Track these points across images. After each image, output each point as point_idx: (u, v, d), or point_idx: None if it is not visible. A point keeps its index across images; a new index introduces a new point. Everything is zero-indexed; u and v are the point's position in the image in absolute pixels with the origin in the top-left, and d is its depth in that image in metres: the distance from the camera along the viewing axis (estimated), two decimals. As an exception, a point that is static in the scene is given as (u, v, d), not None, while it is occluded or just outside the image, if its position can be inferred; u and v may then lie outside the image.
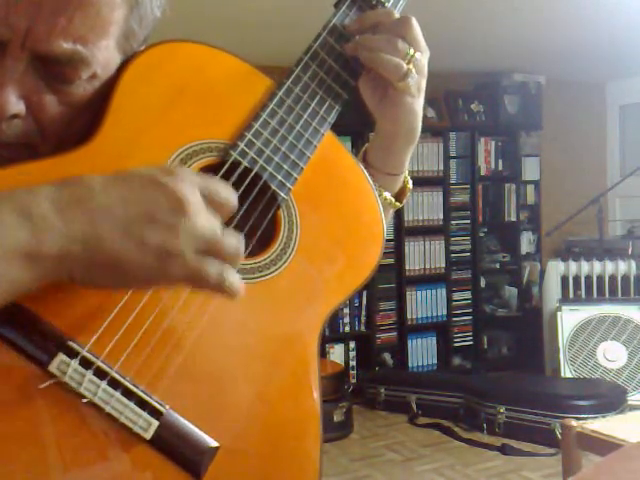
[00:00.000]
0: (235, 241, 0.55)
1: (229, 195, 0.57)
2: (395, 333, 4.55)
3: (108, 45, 0.61)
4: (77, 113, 0.62)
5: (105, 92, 0.63)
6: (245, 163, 0.66)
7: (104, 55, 0.61)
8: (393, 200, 0.82)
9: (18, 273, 0.48)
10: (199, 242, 0.53)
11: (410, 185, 0.84)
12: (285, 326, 0.66)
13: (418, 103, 0.76)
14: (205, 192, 0.55)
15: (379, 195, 0.79)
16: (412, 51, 0.72)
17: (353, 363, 4.41)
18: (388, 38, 0.72)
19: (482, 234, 4.83)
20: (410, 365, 4.56)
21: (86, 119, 0.63)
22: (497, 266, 4.87)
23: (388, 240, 4.23)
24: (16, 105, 0.58)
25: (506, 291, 4.91)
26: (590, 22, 3.67)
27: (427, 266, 4.60)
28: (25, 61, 0.58)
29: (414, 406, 3.89)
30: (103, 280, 0.52)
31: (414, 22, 0.73)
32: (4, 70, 0.57)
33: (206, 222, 0.53)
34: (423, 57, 0.74)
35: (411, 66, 0.72)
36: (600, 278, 4.23)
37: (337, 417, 3.61)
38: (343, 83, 0.73)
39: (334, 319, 4.22)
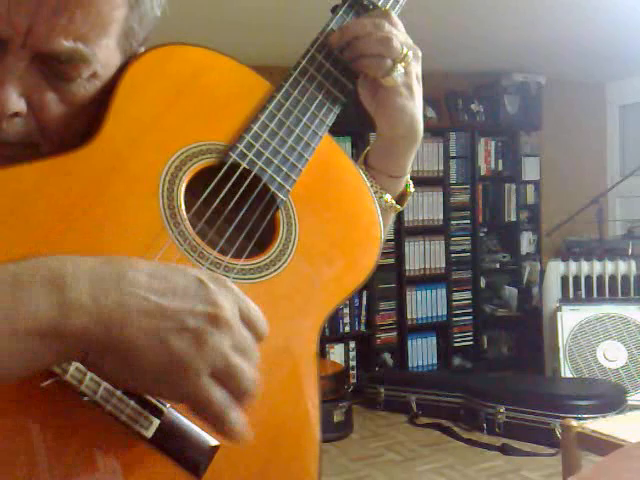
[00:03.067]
0: (251, 376, 0.51)
1: (261, 319, 0.54)
2: (395, 333, 4.55)
3: (108, 44, 0.62)
4: (78, 112, 0.63)
5: (105, 92, 0.63)
6: (244, 165, 0.66)
7: (104, 54, 0.62)
8: (394, 203, 0.81)
9: (36, 350, 0.46)
10: (219, 363, 0.50)
11: (411, 189, 0.83)
12: (284, 326, 0.67)
13: (412, 105, 0.75)
14: (243, 309, 0.52)
15: (380, 197, 0.79)
16: (398, 45, 0.71)
17: (353, 363, 4.41)
18: (368, 33, 0.71)
19: (482, 234, 4.83)
20: (410, 365, 4.56)
21: (87, 119, 0.63)
22: (497, 266, 4.87)
23: (388, 240, 4.24)
24: (17, 103, 0.58)
25: (506, 291, 4.91)
26: (590, 22, 3.67)
27: (427, 266, 4.60)
28: (26, 59, 0.58)
29: (414, 406, 3.89)
30: (111, 370, 0.49)
31: (393, 16, 0.73)
32: (5, 68, 0.58)
33: (234, 344, 0.50)
34: (414, 54, 0.73)
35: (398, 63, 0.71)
36: (600, 278, 4.22)
37: (337, 417, 3.61)
38: (341, 86, 0.73)
39: (334, 319, 4.22)
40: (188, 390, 0.49)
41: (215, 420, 0.51)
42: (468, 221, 4.72)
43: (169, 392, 0.50)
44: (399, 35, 0.72)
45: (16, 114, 0.59)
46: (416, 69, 0.74)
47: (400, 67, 0.72)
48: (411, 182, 0.84)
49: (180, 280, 0.50)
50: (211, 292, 0.51)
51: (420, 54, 0.75)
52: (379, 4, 0.75)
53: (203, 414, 0.51)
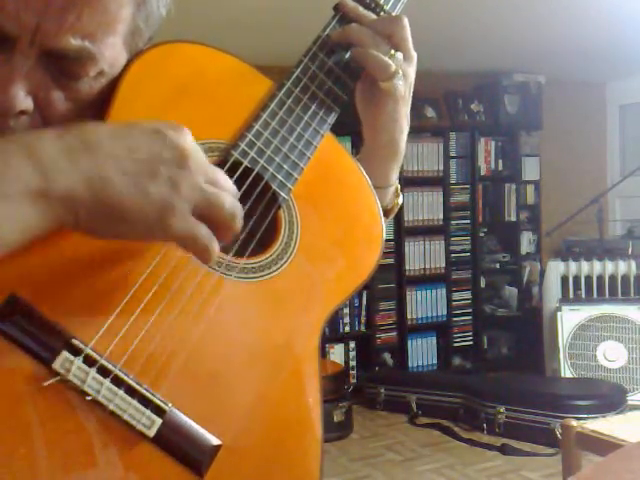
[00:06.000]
0: (232, 200, 0.56)
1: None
2: (395, 333, 4.55)
3: (115, 42, 0.62)
4: (84, 111, 0.63)
5: (110, 91, 0.64)
6: (246, 163, 0.66)
7: (111, 52, 0.62)
8: None
9: (28, 213, 0.50)
10: (198, 198, 0.54)
11: (399, 201, 0.84)
12: (286, 325, 0.67)
13: (400, 111, 0.75)
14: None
15: None
16: (393, 51, 0.71)
17: (353, 363, 4.42)
18: (373, 35, 0.71)
19: (482, 234, 4.83)
20: (410, 365, 4.56)
21: (93, 117, 0.63)
22: (497, 266, 4.87)
23: (388, 240, 4.24)
24: (24, 101, 0.58)
25: (506, 291, 4.91)
26: (590, 22, 3.68)
27: (427, 266, 4.60)
28: (34, 57, 0.58)
29: (414, 406, 3.89)
30: (104, 226, 0.53)
31: (405, 23, 0.72)
32: (13, 66, 0.58)
33: (207, 179, 0.55)
34: (409, 64, 0.73)
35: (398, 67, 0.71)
36: (600, 278, 4.23)
37: (337, 417, 3.61)
38: (343, 85, 0.73)
39: (334, 319, 4.22)
40: (178, 229, 0.53)
41: (200, 253, 0.55)
42: (468, 221, 4.73)
43: (161, 235, 0.54)
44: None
45: (23, 112, 0.59)
46: (412, 77, 0.74)
47: (401, 73, 0.72)
48: (401, 194, 0.84)
49: (140, 135, 0.54)
50: (172, 137, 0.55)
51: (413, 55, 0.74)
52: (381, 2, 0.75)
53: (191, 249, 0.55)
